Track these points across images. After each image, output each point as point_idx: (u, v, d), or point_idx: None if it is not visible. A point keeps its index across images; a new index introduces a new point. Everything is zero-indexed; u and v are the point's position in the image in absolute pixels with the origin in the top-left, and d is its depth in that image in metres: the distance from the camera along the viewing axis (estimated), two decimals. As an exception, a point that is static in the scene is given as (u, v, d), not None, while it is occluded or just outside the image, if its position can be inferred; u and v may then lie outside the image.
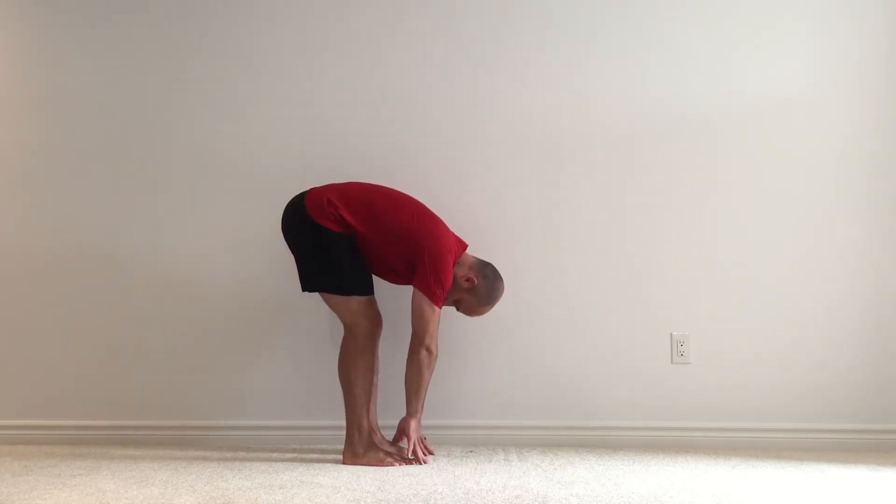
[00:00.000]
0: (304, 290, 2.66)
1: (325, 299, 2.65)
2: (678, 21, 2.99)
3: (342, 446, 2.63)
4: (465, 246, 2.76)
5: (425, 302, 2.54)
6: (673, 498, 2.13)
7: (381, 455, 2.57)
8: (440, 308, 2.57)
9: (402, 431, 2.61)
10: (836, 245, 2.89)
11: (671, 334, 2.93)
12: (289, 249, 2.69)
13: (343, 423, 2.64)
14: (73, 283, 3.10)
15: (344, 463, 2.58)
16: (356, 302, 2.60)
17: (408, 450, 2.57)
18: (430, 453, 2.68)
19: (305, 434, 2.95)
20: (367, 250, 2.62)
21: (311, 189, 2.67)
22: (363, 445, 2.58)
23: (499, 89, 3.01)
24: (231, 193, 3.07)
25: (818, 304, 2.88)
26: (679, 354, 2.92)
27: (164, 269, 3.07)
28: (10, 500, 2.16)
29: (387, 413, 2.75)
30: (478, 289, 2.66)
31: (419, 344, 2.56)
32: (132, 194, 3.11)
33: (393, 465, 2.54)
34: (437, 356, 2.60)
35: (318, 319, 2.97)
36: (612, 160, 2.98)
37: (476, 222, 2.91)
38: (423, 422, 2.73)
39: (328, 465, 2.57)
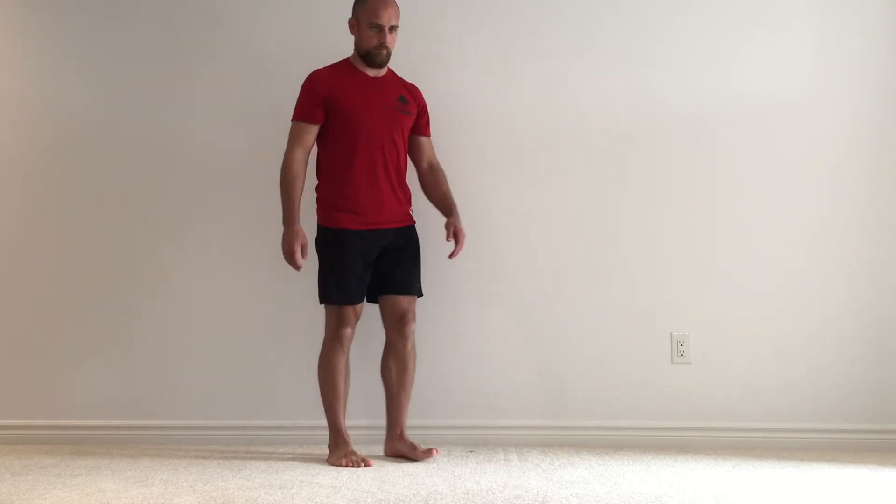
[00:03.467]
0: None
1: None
2: (678, 21, 2.98)
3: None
4: None
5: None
6: (673, 498, 2.13)
7: (339, 455, 2.57)
8: (302, 119, 2.65)
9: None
10: (836, 245, 2.89)
11: (671, 334, 2.93)
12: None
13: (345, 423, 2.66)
14: (73, 283, 3.09)
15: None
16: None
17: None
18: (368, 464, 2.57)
19: (305, 434, 2.95)
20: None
21: None
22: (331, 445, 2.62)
23: (498, 88, 3.01)
24: (230, 193, 3.05)
25: (818, 304, 2.88)
26: (679, 354, 2.91)
27: (165, 270, 3.07)
28: (10, 500, 2.16)
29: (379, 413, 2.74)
30: (356, 18, 2.68)
31: None
32: (132, 194, 3.10)
33: (347, 466, 2.52)
34: (293, 159, 2.64)
35: (317, 320, 2.96)
36: (611, 160, 2.97)
37: (476, 222, 2.90)
38: (424, 421, 2.75)
39: (328, 464, 2.57)
